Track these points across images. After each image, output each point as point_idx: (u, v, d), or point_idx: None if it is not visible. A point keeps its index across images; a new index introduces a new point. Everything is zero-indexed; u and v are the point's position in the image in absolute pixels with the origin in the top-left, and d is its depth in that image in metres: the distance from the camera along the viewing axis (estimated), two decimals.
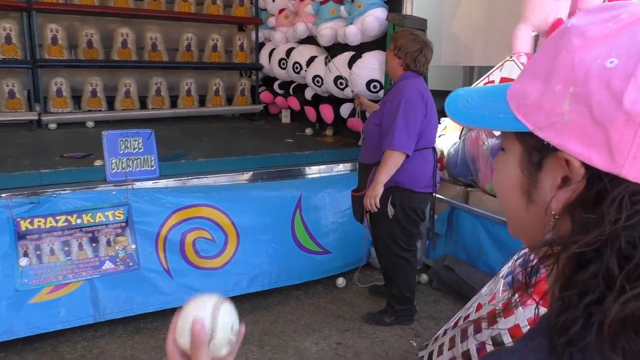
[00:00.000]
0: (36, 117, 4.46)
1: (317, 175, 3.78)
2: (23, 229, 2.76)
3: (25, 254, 2.75)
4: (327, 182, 3.69)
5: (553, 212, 0.53)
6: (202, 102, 5.38)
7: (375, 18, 3.81)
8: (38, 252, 2.79)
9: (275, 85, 5.30)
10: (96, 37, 4.76)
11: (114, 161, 3.07)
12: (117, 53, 4.87)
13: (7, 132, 4.32)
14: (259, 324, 3.09)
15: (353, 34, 3.92)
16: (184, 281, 3.07)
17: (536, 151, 0.55)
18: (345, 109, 4.25)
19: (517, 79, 0.57)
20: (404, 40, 2.83)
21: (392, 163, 2.74)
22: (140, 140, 3.15)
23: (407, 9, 3.77)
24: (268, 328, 3.05)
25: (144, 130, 3.17)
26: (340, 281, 3.59)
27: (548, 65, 0.54)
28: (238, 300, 3.24)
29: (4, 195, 2.76)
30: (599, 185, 0.50)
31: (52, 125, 4.56)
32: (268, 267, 3.32)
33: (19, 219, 2.75)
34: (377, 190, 2.76)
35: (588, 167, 0.50)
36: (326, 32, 4.27)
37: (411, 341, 2.93)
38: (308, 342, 2.90)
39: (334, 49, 4.31)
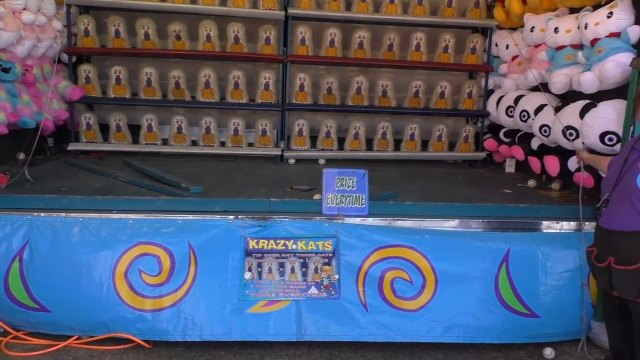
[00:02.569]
0: (280, 153, 5.19)
1: (531, 230, 3.51)
2: (251, 247, 3.23)
3: (249, 269, 3.21)
4: (543, 239, 3.40)
5: None
6: (424, 146, 5.50)
7: (617, 64, 3.42)
8: (259, 269, 3.22)
9: (501, 134, 5.13)
10: (335, 84, 5.33)
11: (329, 196, 3.38)
12: (352, 99, 5.36)
13: (257, 164, 5.11)
14: None
15: (589, 81, 3.58)
16: (378, 318, 3.16)
17: None
18: (573, 162, 3.87)
19: None
20: None
21: None
22: (354, 179, 3.40)
23: None
24: None
25: (358, 171, 3.42)
26: (549, 351, 3.22)
27: None
28: (430, 349, 3.20)
29: (240, 216, 3.29)
30: None
31: (292, 161, 5.23)
32: (465, 320, 3.20)
33: (248, 238, 3.23)
34: None
35: None
36: (559, 79, 3.99)
37: None
38: None
39: (569, 97, 3.99)
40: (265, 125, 5.25)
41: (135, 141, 5.25)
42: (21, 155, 4.43)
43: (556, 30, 4.06)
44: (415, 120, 5.51)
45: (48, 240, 3.13)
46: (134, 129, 5.27)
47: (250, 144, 5.33)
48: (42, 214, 3.21)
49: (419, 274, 3.22)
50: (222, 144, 5.30)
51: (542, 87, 4.22)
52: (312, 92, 5.33)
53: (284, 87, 5.22)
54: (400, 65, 5.45)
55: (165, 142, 5.28)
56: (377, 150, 5.40)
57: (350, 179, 3.40)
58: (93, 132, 5.15)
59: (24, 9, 4.11)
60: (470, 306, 3.21)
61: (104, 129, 5.22)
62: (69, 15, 4.89)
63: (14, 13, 4.00)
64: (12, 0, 3.97)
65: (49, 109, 4.41)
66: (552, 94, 4.19)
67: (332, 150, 5.34)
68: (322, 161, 5.25)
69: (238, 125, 5.22)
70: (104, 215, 3.27)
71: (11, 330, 3.15)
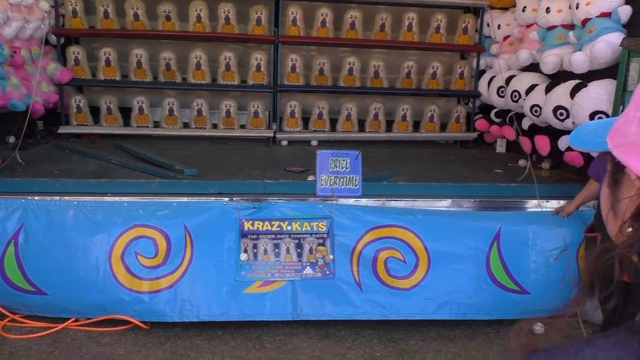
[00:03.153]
0: (272, 135, 5.18)
1: (522, 209, 3.57)
2: (246, 228, 3.26)
3: (245, 251, 3.24)
4: (533, 218, 3.46)
5: (624, 220, 0.63)
6: (416, 127, 5.53)
7: (607, 44, 3.45)
8: (255, 250, 3.26)
9: (492, 114, 5.16)
10: (327, 65, 5.30)
11: (323, 178, 3.41)
12: (344, 80, 5.35)
13: (249, 145, 5.10)
14: (441, 353, 3.06)
15: (580, 61, 3.61)
16: (372, 297, 3.22)
17: (616, 170, 0.66)
18: (563, 142, 3.92)
19: None
20: None
21: None
22: (348, 161, 3.43)
23: None
24: None
25: (352, 152, 3.45)
26: (538, 327, 3.30)
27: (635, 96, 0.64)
28: (423, 326, 3.27)
29: (235, 199, 3.31)
30: None
31: (284, 142, 5.23)
32: (457, 297, 3.26)
33: (243, 220, 3.26)
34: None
35: None
36: (550, 59, 4.01)
37: None
38: None
39: (558, 78, 4.02)
40: (258, 107, 5.24)
41: (127, 124, 5.21)
42: (11, 139, 4.40)
43: (548, 10, 4.08)
44: (407, 101, 5.53)
45: (43, 224, 3.13)
46: (125, 112, 5.24)
47: (243, 126, 5.32)
48: (36, 198, 3.21)
49: (412, 253, 3.27)
50: (214, 126, 5.28)
51: (534, 67, 4.24)
52: (303, 74, 5.31)
53: (276, 68, 5.19)
54: (393, 46, 5.44)
55: (156, 124, 5.25)
56: (369, 131, 5.41)
57: (344, 160, 3.42)
58: (83, 115, 5.10)
59: None
60: (463, 284, 3.27)
61: (95, 111, 5.18)
62: None
63: None
64: None
65: (38, 92, 4.36)
66: (543, 73, 4.21)
67: (324, 131, 5.35)
68: (314, 143, 5.25)
69: (230, 107, 5.20)
70: (98, 198, 3.27)
71: (8, 314, 3.17)
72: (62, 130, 4.95)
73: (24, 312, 3.21)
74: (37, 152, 4.35)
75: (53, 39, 4.92)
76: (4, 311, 3.16)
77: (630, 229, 0.62)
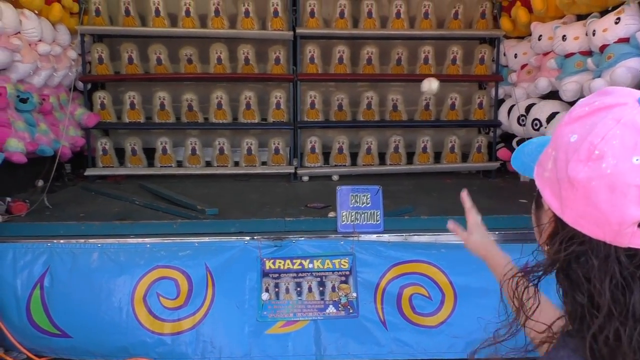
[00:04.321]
0: (293, 170, 5.21)
1: None
2: (267, 267, 3.24)
3: (267, 290, 3.22)
4: None
5: (540, 243, 0.79)
6: (437, 158, 5.50)
7: (627, 69, 3.41)
8: (276, 290, 3.23)
9: (514, 143, 5.10)
10: (346, 100, 5.35)
11: (344, 214, 3.38)
12: (362, 114, 5.38)
13: (271, 182, 5.14)
14: None
15: (600, 87, 3.57)
16: (398, 335, 3.14)
17: (539, 195, 0.78)
18: None
19: None
20: None
21: None
22: (368, 196, 3.41)
23: None
24: None
25: (372, 187, 3.43)
26: None
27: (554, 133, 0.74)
28: None
29: (256, 237, 3.30)
30: (558, 225, 0.73)
31: (305, 178, 5.25)
32: (487, 334, 3.15)
33: (264, 259, 3.24)
34: None
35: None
36: (570, 86, 3.99)
37: None
38: None
39: None
40: (278, 144, 5.29)
41: (151, 164, 5.32)
42: (40, 182, 4.51)
43: (564, 37, 4.06)
44: (426, 132, 5.52)
45: (68, 267, 3.17)
46: (149, 152, 5.35)
47: (264, 163, 5.37)
48: (61, 241, 3.26)
49: (438, 289, 3.20)
50: (236, 163, 5.34)
51: (553, 94, 4.21)
52: (323, 109, 5.37)
53: (295, 105, 5.27)
54: (410, 79, 5.47)
55: (180, 164, 5.34)
56: (390, 164, 5.40)
57: (364, 196, 3.40)
58: (109, 157, 5.23)
59: (40, 40, 4.22)
60: (492, 321, 3.16)
61: (120, 153, 5.30)
62: (83, 44, 5.01)
63: (30, 45, 4.10)
64: (28, 32, 4.07)
65: (66, 137, 4.49)
66: (564, 101, 4.17)
67: (345, 166, 5.36)
68: (335, 177, 5.26)
69: (251, 144, 5.27)
70: (122, 240, 3.30)
71: (34, 357, 3.18)
72: (89, 172, 5.07)
73: (50, 355, 3.22)
74: (64, 194, 4.45)
75: (80, 85, 5.10)
76: (30, 355, 3.18)
77: (547, 247, 0.76)
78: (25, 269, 3.17)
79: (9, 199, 3.66)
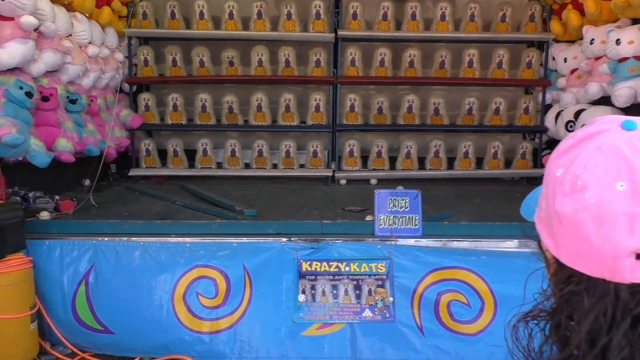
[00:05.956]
0: (331, 174, 5.21)
1: None
2: (304, 269, 3.24)
3: (303, 292, 3.21)
4: None
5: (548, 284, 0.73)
6: (479, 164, 5.38)
7: None
8: (313, 292, 3.22)
9: None
10: (386, 103, 5.31)
11: (382, 217, 3.35)
12: (403, 118, 5.33)
13: (308, 185, 5.14)
14: None
15: None
16: (435, 342, 3.08)
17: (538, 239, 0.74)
18: None
19: None
20: None
21: None
22: (407, 200, 3.36)
23: None
24: None
25: (411, 191, 3.38)
26: None
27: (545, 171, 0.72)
28: None
29: (293, 239, 3.31)
30: (557, 266, 0.69)
31: (343, 181, 5.24)
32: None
33: (301, 261, 3.24)
34: None
35: None
36: (623, 92, 3.83)
37: None
38: None
39: (634, 111, 3.81)
40: (317, 147, 5.30)
41: (192, 165, 5.42)
42: (87, 182, 4.66)
43: (618, 41, 3.91)
44: (469, 137, 5.41)
45: (111, 264, 3.26)
46: (190, 154, 5.45)
47: (302, 166, 5.39)
48: (105, 239, 3.35)
49: (477, 296, 3.12)
50: (274, 166, 5.38)
51: (604, 100, 4.05)
52: (362, 113, 5.34)
53: (335, 108, 5.26)
54: (453, 83, 5.38)
55: (219, 165, 5.42)
56: (429, 169, 5.32)
57: (402, 200, 3.36)
58: (152, 157, 5.36)
59: (90, 42, 4.37)
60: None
61: (162, 154, 5.42)
62: (129, 47, 5.16)
63: (80, 47, 4.25)
64: (78, 35, 4.22)
65: (111, 137, 4.63)
66: (616, 107, 4.01)
67: (383, 170, 5.31)
68: (373, 181, 5.22)
69: (289, 147, 5.29)
70: (163, 239, 3.37)
71: (78, 352, 3.27)
72: (133, 172, 5.21)
73: (93, 350, 3.31)
74: (109, 194, 4.59)
75: (126, 87, 5.25)
76: (74, 349, 3.28)
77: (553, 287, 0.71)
78: (71, 265, 3.27)
79: (57, 197, 3.80)
